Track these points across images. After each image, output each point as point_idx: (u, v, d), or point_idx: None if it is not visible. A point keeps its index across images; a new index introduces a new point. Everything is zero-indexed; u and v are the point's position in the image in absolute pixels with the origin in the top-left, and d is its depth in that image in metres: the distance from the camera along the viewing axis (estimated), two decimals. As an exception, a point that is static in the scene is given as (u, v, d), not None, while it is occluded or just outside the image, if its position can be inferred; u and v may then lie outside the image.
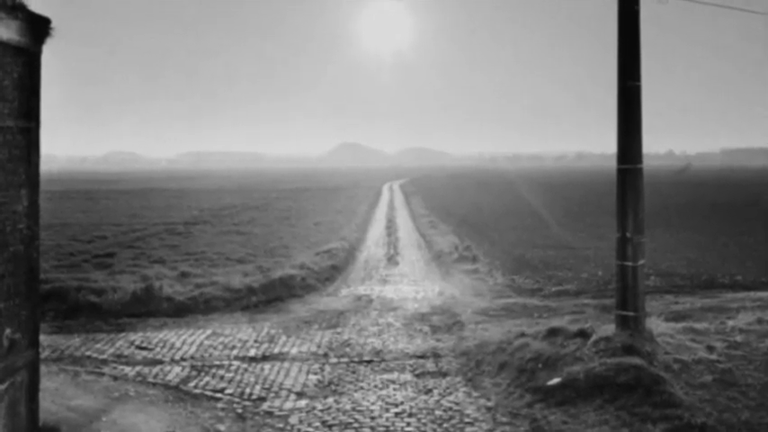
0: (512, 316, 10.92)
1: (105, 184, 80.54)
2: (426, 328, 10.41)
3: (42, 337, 6.98)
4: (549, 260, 16.87)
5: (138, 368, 8.44)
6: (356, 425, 6.60)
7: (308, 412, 6.95)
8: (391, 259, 18.13)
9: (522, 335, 8.73)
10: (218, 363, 8.67)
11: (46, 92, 5.53)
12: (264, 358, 8.88)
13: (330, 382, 7.90)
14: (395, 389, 7.63)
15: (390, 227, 27.31)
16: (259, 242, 20.26)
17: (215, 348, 9.31)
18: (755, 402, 6.53)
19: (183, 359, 8.84)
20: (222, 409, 7.09)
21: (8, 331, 5.18)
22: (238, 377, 8.10)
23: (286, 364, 8.61)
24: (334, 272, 15.75)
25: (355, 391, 7.61)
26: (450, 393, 7.47)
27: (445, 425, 6.57)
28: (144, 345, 9.46)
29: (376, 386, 7.75)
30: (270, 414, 6.95)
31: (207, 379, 8.05)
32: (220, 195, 49.84)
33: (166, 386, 7.79)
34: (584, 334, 8.18)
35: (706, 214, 31.06)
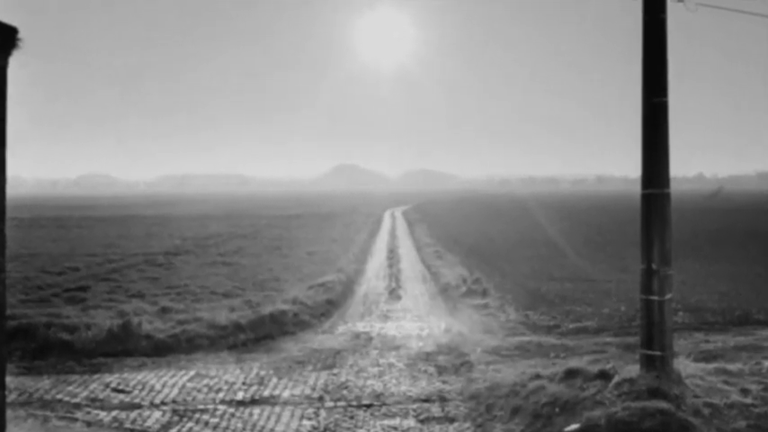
0: (526, 356, 10.95)
1: (78, 210, 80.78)
2: (432, 369, 10.43)
3: (8, 379, 7.04)
4: (567, 294, 16.91)
5: (114, 413, 8.46)
6: (355, 476, 6.62)
7: (301, 462, 6.96)
8: (393, 293, 18.17)
9: (537, 376, 8.77)
10: (202, 407, 8.70)
11: (12, 108, 5.49)
12: (253, 402, 8.91)
13: (326, 429, 7.92)
14: (397, 436, 7.65)
15: (392, 257, 27.37)
16: (247, 274, 20.33)
17: (199, 391, 9.33)
18: (794, 451, 6.55)
19: (163, 403, 8.87)
20: (207, 459, 7.11)
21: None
22: (225, 423, 8.13)
23: (277, 409, 8.63)
24: (329, 307, 15.79)
25: (353, 438, 7.63)
26: (459, 441, 7.48)
27: (453, 476, 6.59)
28: (121, 387, 9.48)
29: (376, 433, 7.78)
30: (259, 464, 6.96)
31: (190, 425, 8.07)
32: (204, 222, 49.97)
33: (145, 433, 7.82)
34: (605, 375, 8.21)
35: (740, 243, 31.13)
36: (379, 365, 10.69)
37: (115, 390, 9.38)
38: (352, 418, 8.31)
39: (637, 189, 8.62)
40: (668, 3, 8.26)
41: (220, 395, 9.17)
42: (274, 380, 9.90)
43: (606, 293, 16.96)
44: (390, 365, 10.69)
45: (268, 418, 8.33)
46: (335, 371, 10.38)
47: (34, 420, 8.12)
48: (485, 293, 16.85)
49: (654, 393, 7.42)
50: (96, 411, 8.53)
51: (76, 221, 52.05)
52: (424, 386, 9.56)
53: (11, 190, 5.84)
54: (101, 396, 9.13)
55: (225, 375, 10.10)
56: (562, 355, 10.75)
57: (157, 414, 8.45)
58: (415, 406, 8.71)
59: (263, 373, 10.27)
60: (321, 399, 9.04)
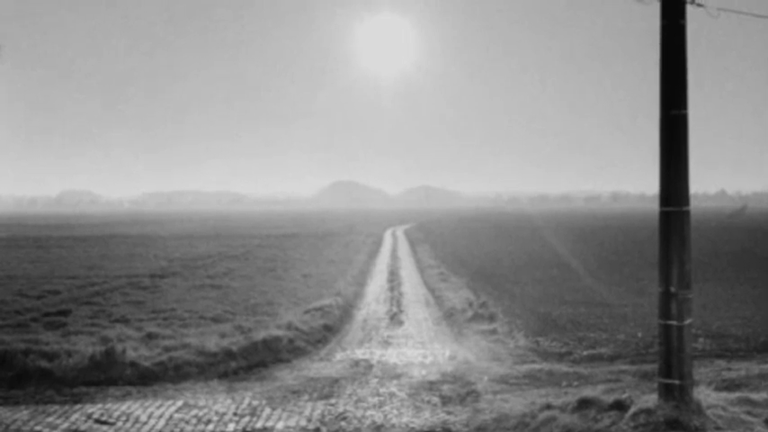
0: (536, 384, 10.95)
1: (58, 229, 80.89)
2: (435, 399, 10.43)
3: (-13, 409, 7.07)
4: (580, 319, 16.92)
5: (96, 446, 8.45)
6: None
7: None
8: (394, 318, 18.17)
9: (548, 407, 8.77)
10: (190, 440, 8.68)
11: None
12: (245, 434, 8.90)
13: (322, 463, 7.90)
14: (399, 471, 7.65)
15: (393, 280, 27.39)
16: (238, 298, 20.34)
17: (187, 423, 9.33)
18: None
19: (149, 435, 8.86)
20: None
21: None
22: (214, 457, 8.12)
23: (270, 442, 8.62)
24: (326, 333, 15.80)
25: (352, 473, 7.62)
26: (464, 476, 7.48)
27: None
28: (104, 418, 9.48)
29: (376, 467, 7.78)
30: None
31: (177, 459, 8.06)
32: (193, 243, 50.03)
33: (130, 467, 7.82)
34: (620, 406, 8.23)
35: (764, 265, 31.13)
36: (379, 395, 10.69)
37: (98, 421, 9.38)
38: (350, 451, 8.30)
39: (654, 207, 8.60)
40: (688, 7, 8.21)
41: (210, 427, 9.17)
42: (267, 410, 9.90)
43: (622, 318, 16.96)
44: (391, 395, 10.69)
45: (261, 451, 8.33)
46: (333, 401, 10.38)
47: (11, 454, 8.12)
48: (492, 318, 16.86)
49: (672, 425, 7.43)
50: (77, 444, 8.52)
51: (56, 241, 52.13)
52: (427, 417, 9.56)
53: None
54: (82, 428, 9.13)
55: (215, 406, 10.10)
56: (575, 384, 10.75)
57: (143, 447, 8.45)
58: (417, 438, 8.70)
59: (255, 403, 10.27)
60: (317, 430, 9.04)
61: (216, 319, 16.39)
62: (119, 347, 12.36)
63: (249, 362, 12.79)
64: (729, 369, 11.81)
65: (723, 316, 16.94)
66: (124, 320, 16.07)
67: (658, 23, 8.32)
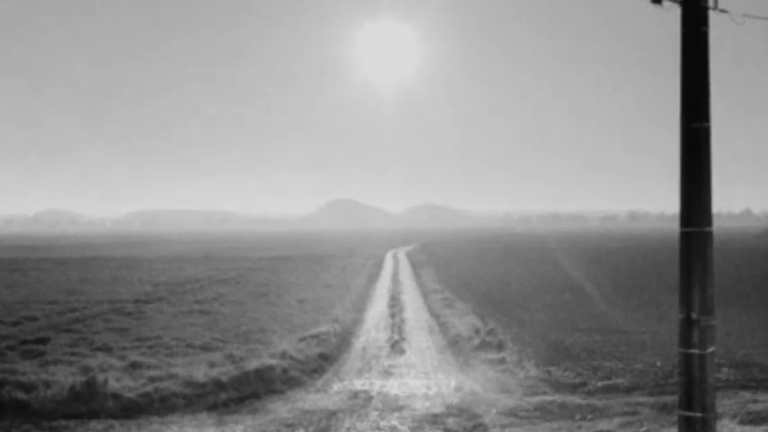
0: (548, 418, 10.95)
1: (36, 251, 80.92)
2: (440, 434, 10.42)
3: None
4: (595, 347, 16.91)
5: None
6: None
7: None
8: (396, 346, 18.17)
9: (561, 441, 8.77)
10: (177, 477, 8.69)
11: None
12: (236, 471, 8.90)
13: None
14: None
15: (395, 305, 27.39)
16: (229, 324, 20.34)
17: (173, 459, 9.33)
18: None
19: (133, 472, 8.87)
20: None
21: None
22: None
23: (263, 479, 8.62)
24: (323, 362, 15.80)
25: None
26: None
27: None
28: (84, 454, 9.48)
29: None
30: None
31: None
32: (180, 265, 50.04)
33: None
34: (638, 440, 8.22)
35: (792, 289, 31.09)
36: (379, 429, 10.69)
37: (78, 457, 9.38)
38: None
39: (674, 227, 8.58)
40: (711, 14, 8.16)
41: (198, 463, 9.17)
42: (260, 446, 9.90)
43: (639, 346, 16.95)
44: (393, 429, 10.69)
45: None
46: (330, 435, 10.37)
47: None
48: (500, 346, 16.85)
49: (694, 461, 7.42)
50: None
51: (34, 264, 52.14)
52: (431, 453, 9.55)
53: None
54: (61, 464, 9.12)
55: (203, 440, 10.10)
56: (589, 417, 10.75)
57: (126, 485, 8.45)
58: (420, 476, 8.70)
59: (246, 437, 10.26)
60: (313, 467, 9.04)
61: (205, 348, 16.38)
62: (100, 378, 12.36)
63: (240, 393, 12.79)
64: (755, 401, 11.80)
65: (748, 344, 16.92)
66: (106, 349, 16.06)
67: (679, 31, 8.28)
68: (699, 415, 8.02)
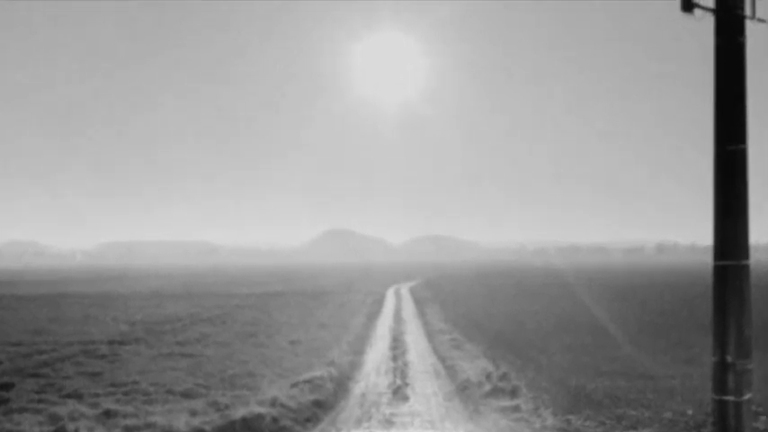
0: (567, 472, 10.91)
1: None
2: (447, 490, 10.39)
3: None
4: (619, 393, 16.87)
5: None
6: None
7: None
8: (398, 392, 18.12)
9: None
10: None
11: None
12: None
13: None
14: None
15: (397, 347, 27.34)
16: (213, 368, 20.31)
17: None
18: None
19: None
20: None
21: None
22: None
23: None
24: (318, 410, 15.76)
25: None
26: None
27: None
28: None
29: None
30: None
31: None
32: (159, 303, 49.98)
33: None
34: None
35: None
36: (380, 485, 10.64)
37: None
38: None
39: (707, 260, 8.58)
40: (748, 23, 8.06)
41: None
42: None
43: (668, 393, 16.91)
44: (395, 485, 10.65)
45: None
46: (325, 492, 10.34)
47: None
48: (514, 393, 16.81)
49: None
50: None
51: (-3, 301, 52.05)
52: None
53: None
54: None
55: (184, 498, 10.07)
56: (613, 472, 10.71)
57: None
58: None
59: (232, 494, 10.24)
60: None
61: (186, 394, 16.35)
62: (71, 427, 12.36)
63: (226, 445, 12.76)
64: (797, 454, 11.77)
65: (789, 390, 16.87)
66: (77, 395, 16.03)
67: (712, 42, 8.20)
68: (734, 469, 7.99)
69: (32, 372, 19.61)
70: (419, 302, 53.45)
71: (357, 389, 18.80)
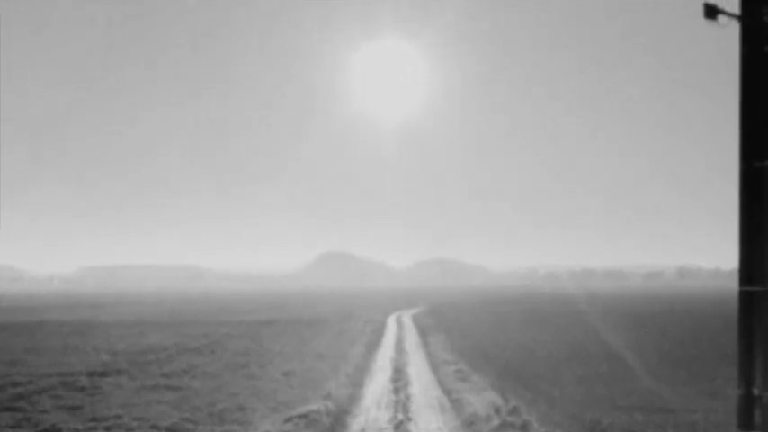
0: None
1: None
2: None
3: None
4: (637, 429, 16.88)
5: None
6: None
7: None
8: (400, 428, 18.10)
9: None
10: None
11: None
12: None
13: None
14: None
15: (399, 379, 27.31)
16: (201, 402, 20.30)
17: None
18: None
19: None
20: None
21: None
22: None
23: None
24: (313, 447, 15.74)
25: None
26: None
27: None
28: None
29: None
30: None
31: None
32: (143, 331, 49.93)
33: None
34: None
35: None
36: None
37: None
38: None
39: (732, 285, 8.55)
40: None
41: None
42: None
43: (690, 428, 16.91)
44: None
45: None
46: None
47: None
48: (525, 428, 16.79)
49: None
50: None
51: (-31, 330, 51.99)
52: None
53: None
54: None
55: None
56: None
57: None
58: None
59: None
60: None
61: (172, 430, 16.36)
62: (49, 465, 12.36)
63: (215, 484, 12.75)
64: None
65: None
66: (55, 431, 16.03)
67: (738, 51, 8.18)
68: None
69: (7, 405, 19.59)
70: (423, 331, 53.39)
71: (356, 424, 18.78)
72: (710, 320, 58.04)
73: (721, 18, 8.14)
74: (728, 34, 8.13)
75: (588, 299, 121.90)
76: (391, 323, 64.96)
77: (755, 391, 7.96)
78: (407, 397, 23.05)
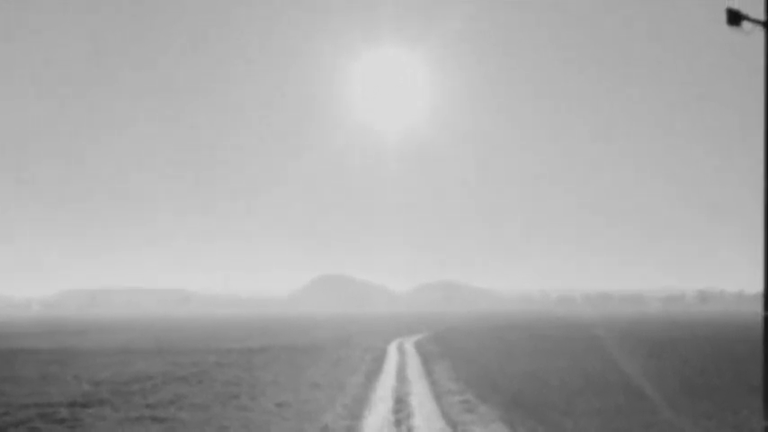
0: None
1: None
2: None
3: None
4: (656, 464, 16.84)
5: None
6: None
7: None
8: (402, 463, 18.10)
9: None
10: None
11: None
12: None
13: None
14: None
15: (400, 410, 27.29)
16: (189, 435, 20.29)
17: None
18: None
19: None
20: None
21: None
22: None
23: None
24: (309, 483, 15.73)
25: None
26: None
27: None
28: None
29: None
30: None
31: None
32: (127, 359, 49.88)
33: None
34: None
35: None
36: None
37: None
38: None
39: (757, 309, 8.59)
40: None
41: None
42: None
43: (713, 463, 16.88)
44: None
45: None
46: None
47: None
48: (536, 463, 16.78)
49: None
50: None
51: (-59, 358, 51.97)
52: None
53: None
54: None
55: None
56: None
57: None
58: None
59: None
60: None
61: (158, 465, 16.34)
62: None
63: None
64: None
65: None
66: (33, 466, 16.03)
67: (763, 60, 8.24)
68: None
69: (-19, 439, 19.59)
70: (426, 359, 53.35)
71: (354, 458, 18.78)
72: (734, 347, 57.95)
73: (745, 24, 8.22)
74: (754, 42, 8.20)
75: (604, 324, 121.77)
76: (392, 350, 64.89)
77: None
78: (409, 429, 23.04)
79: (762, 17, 8.27)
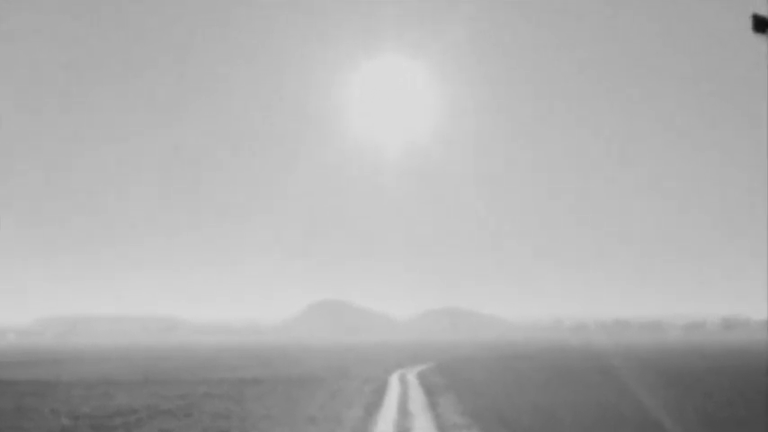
0: None
1: None
2: None
3: None
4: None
5: None
6: None
7: None
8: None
9: None
10: None
11: None
12: None
13: None
14: None
15: (402, 446, 27.28)
16: (176, 472, 20.28)
17: None
18: None
19: None
20: None
21: None
22: None
23: None
24: None
25: None
26: None
27: None
28: None
29: None
30: None
31: None
32: (109, 391, 49.80)
33: None
34: None
35: None
36: None
37: None
38: None
39: None
40: None
41: None
42: None
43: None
44: None
45: None
46: None
47: None
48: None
49: None
50: None
51: None
52: None
53: None
54: None
55: None
56: None
57: None
58: None
59: None
60: None
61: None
62: None
63: None
64: None
65: None
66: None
67: None
68: None
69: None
70: (430, 391, 53.26)
71: (353, 498, 18.75)
72: (761, 378, 57.84)
73: None
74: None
75: (621, 354, 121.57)
76: (394, 382, 64.76)
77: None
78: (412, 467, 23.01)
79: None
